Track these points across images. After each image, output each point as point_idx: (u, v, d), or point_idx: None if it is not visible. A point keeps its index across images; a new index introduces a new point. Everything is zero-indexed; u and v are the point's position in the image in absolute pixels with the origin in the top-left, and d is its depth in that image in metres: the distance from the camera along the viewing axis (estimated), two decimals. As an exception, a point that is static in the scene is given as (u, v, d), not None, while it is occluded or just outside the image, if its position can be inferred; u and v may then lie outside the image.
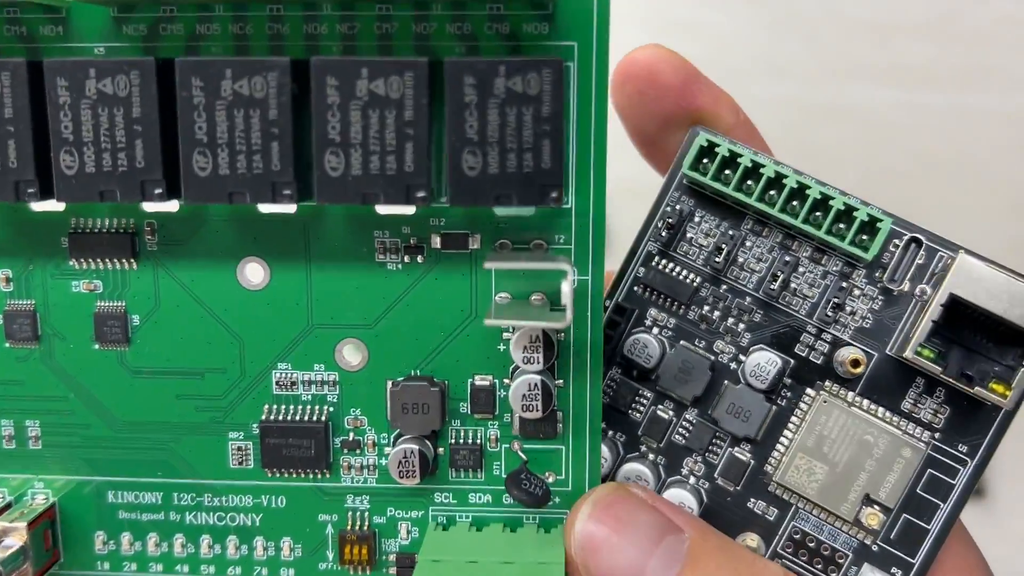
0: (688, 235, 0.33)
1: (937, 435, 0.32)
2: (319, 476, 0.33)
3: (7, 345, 0.33)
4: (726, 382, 0.33)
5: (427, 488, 0.33)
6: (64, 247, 0.33)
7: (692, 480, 0.33)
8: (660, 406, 0.33)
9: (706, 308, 0.33)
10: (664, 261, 0.33)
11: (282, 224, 0.32)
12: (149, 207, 0.32)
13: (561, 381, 0.32)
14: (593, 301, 0.31)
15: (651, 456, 0.34)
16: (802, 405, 0.32)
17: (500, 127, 0.27)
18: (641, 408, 0.34)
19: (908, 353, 0.29)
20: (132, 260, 0.32)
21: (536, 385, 0.31)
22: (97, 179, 0.28)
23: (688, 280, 0.33)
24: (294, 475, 0.34)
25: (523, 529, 0.33)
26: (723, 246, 0.32)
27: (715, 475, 0.33)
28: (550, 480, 0.33)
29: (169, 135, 0.28)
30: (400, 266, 0.32)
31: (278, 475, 0.34)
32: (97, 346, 0.33)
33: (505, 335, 0.32)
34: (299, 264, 0.32)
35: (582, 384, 0.32)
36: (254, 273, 0.32)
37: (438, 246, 0.32)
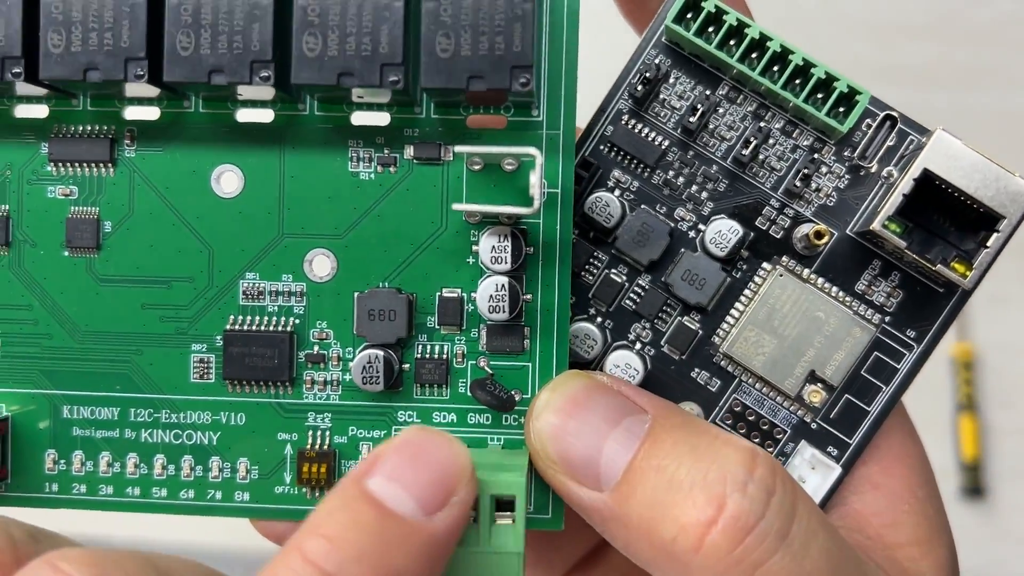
0: (661, 96, 0.33)
1: (888, 318, 0.32)
2: (281, 391, 0.33)
3: None
4: (683, 250, 0.33)
5: (391, 406, 0.33)
6: (43, 153, 0.33)
7: (638, 346, 0.33)
8: (614, 270, 0.33)
9: (671, 173, 0.33)
10: (633, 121, 0.33)
11: (258, 133, 0.32)
12: (130, 113, 0.33)
13: (529, 296, 0.32)
14: (563, 205, 0.31)
15: (598, 319, 0.33)
16: (756, 278, 0.32)
17: (474, 10, 0.29)
18: (594, 271, 0.33)
19: (876, 225, 0.29)
20: (110, 165, 0.33)
21: (503, 286, 0.31)
22: (82, 56, 0.29)
23: (656, 143, 0.33)
24: (255, 390, 0.33)
25: (487, 447, 0.32)
26: (698, 106, 0.32)
27: (661, 342, 0.33)
28: (516, 398, 0.32)
29: (155, 19, 0.29)
30: (372, 176, 0.32)
31: (239, 390, 0.33)
32: (67, 253, 0.33)
33: (474, 248, 0.32)
34: (272, 174, 0.33)
35: (550, 293, 0.32)
36: (228, 182, 0.33)
37: (411, 157, 0.32)
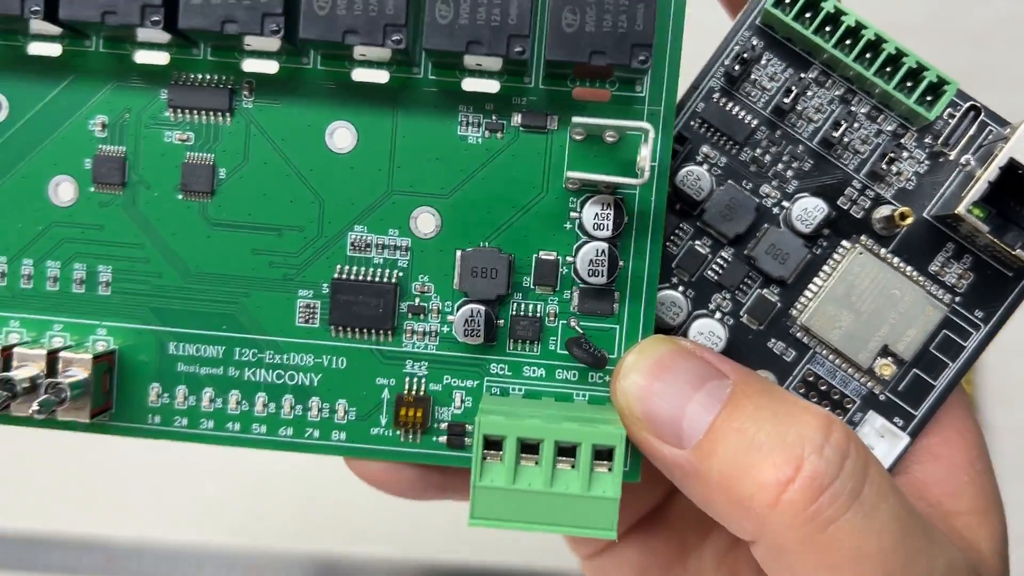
0: (752, 76, 0.35)
1: (958, 299, 0.34)
2: (382, 338, 0.35)
3: (92, 189, 0.35)
4: (767, 225, 0.35)
5: (484, 358, 0.35)
6: (163, 98, 0.34)
7: (718, 315, 0.35)
8: (698, 241, 0.35)
9: (759, 151, 0.35)
10: (725, 99, 0.35)
11: (373, 92, 0.34)
12: (248, 66, 0.34)
13: (623, 263, 0.34)
14: (659, 178, 0.33)
15: (680, 288, 0.35)
16: (835, 255, 0.35)
17: None
18: (679, 242, 0.35)
19: (960, 209, 0.31)
20: (227, 114, 0.34)
21: (603, 251, 0.33)
22: (220, 8, 0.31)
23: (746, 121, 0.35)
24: (357, 336, 0.35)
25: (574, 403, 0.34)
26: (792, 88, 0.34)
27: (741, 312, 0.35)
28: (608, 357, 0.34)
29: None
30: (480, 140, 0.34)
31: (342, 336, 0.35)
32: (181, 196, 0.34)
33: (572, 214, 0.34)
34: (385, 132, 0.34)
35: (641, 260, 0.34)
36: (342, 138, 0.34)
37: (518, 123, 0.34)
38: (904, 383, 0.34)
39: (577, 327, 0.34)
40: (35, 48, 0.34)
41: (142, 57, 0.34)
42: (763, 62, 0.35)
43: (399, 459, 0.35)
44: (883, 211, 0.34)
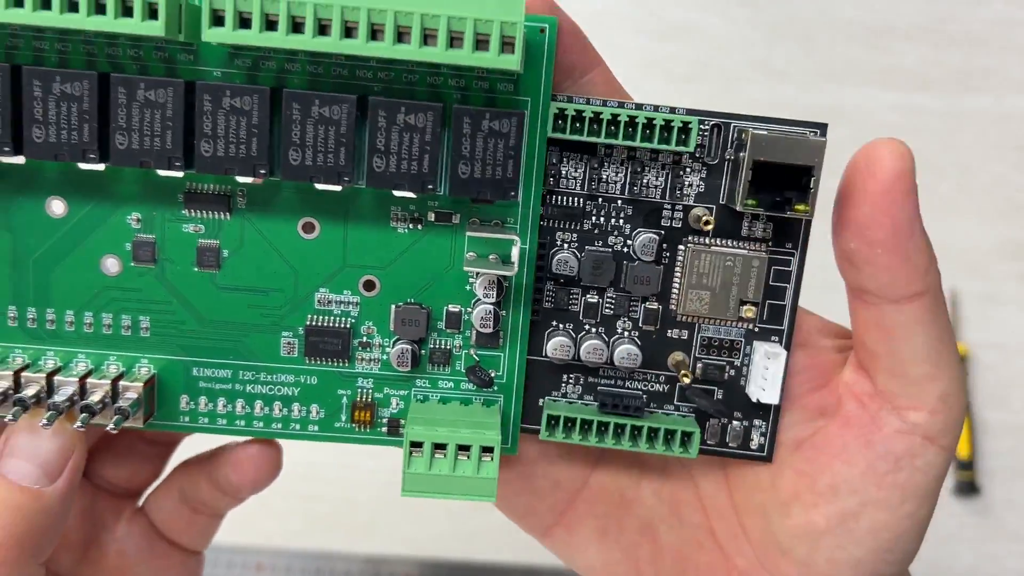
0: (562, 175, 0.48)
1: (770, 244, 0.48)
2: (341, 364, 0.51)
3: (132, 264, 0.49)
4: (626, 263, 0.48)
5: (412, 376, 0.51)
6: (180, 201, 0.49)
7: (626, 335, 0.49)
8: (588, 296, 0.49)
9: (594, 219, 0.48)
10: (552, 197, 0.48)
11: (332, 196, 0.49)
12: (241, 179, 0.48)
13: (504, 311, 0.50)
14: (528, 264, 0.49)
15: (593, 330, 0.50)
16: (679, 259, 0.48)
17: (483, 150, 0.45)
18: (576, 302, 0.49)
19: (739, 206, 0.44)
20: (227, 213, 0.49)
21: (491, 312, 0.49)
22: (223, 161, 0.45)
23: (576, 204, 0.48)
24: (324, 363, 0.51)
25: (472, 404, 0.51)
26: (592, 172, 0.47)
27: (640, 325, 0.49)
28: (493, 374, 0.51)
29: (273, 136, 0.45)
30: (407, 230, 0.49)
31: (314, 363, 0.50)
32: (196, 269, 0.49)
33: (470, 280, 0.50)
34: (340, 224, 0.49)
35: (517, 314, 0.50)
36: (309, 228, 0.49)
37: (432, 219, 0.49)
38: (765, 313, 0.48)
39: (475, 355, 0.51)
40: (85, 166, 0.47)
41: (164, 174, 0.48)
42: (564, 166, 0.48)
43: (354, 443, 0.52)
44: (694, 215, 0.48)
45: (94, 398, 0.48)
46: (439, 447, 0.47)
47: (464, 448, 0.47)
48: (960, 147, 0.96)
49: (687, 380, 0.49)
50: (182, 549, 0.55)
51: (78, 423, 0.46)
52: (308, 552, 0.95)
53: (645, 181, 0.48)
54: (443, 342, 0.51)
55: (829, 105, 0.96)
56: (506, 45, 0.42)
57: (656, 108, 0.46)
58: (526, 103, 0.47)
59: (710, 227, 0.48)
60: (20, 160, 0.45)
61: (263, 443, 0.55)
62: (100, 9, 0.42)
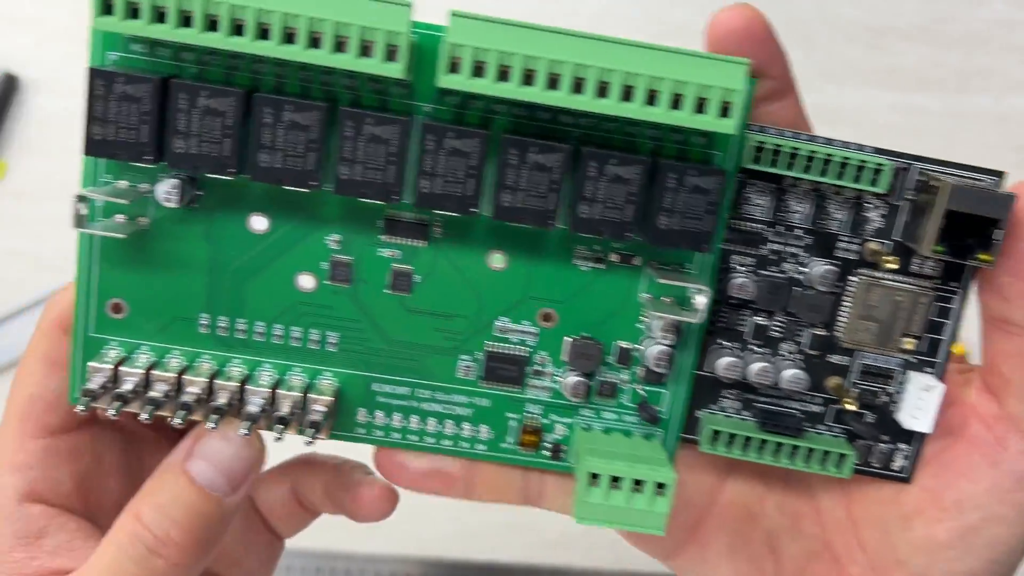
0: (745, 203, 0.51)
1: (938, 282, 0.51)
2: (514, 389, 0.53)
3: (327, 282, 0.51)
4: (797, 289, 0.51)
5: (579, 405, 0.54)
6: (379, 226, 0.51)
7: (791, 358, 0.52)
8: (758, 317, 0.52)
9: (773, 245, 0.51)
10: (736, 222, 0.51)
11: (523, 233, 0.51)
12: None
13: (674, 352, 0.53)
14: (708, 311, 0.52)
15: (758, 351, 0.52)
16: (849, 289, 0.51)
17: (685, 203, 0.47)
18: (744, 323, 0.52)
19: (925, 251, 0.47)
20: (424, 240, 0.51)
21: (667, 353, 0.52)
22: (440, 199, 0.47)
23: (756, 230, 0.51)
24: (497, 387, 0.53)
25: (633, 437, 0.54)
26: (777, 204, 0.50)
27: (804, 348, 0.52)
28: (660, 414, 0.54)
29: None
30: (588, 268, 0.52)
31: (488, 386, 0.53)
32: (388, 292, 0.52)
33: (643, 319, 0.52)
34: (525, 258, 0.51)
35: (687, 356, 0.53)
36: (497, 261, 0.52)
37: (615, 260, 0.52)
38: (925, 346, 0.51)
39: (641, 391, 0.54)
40: (289, 187, 0.49)
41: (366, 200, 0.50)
42: (748, 193, 0.51)
43: (517, 464, 0.54)
44: (871, 246, 0.50)
45: (284, 410, 0.50)
46: (615, 479, 0.50)
47: (638, 482, 0.50)
48: (960, 147, 0.96)
49: (852, 407, 0.52)
50: (272, 532, 0.58)
51: (274, 434, 0.49)
52: (308, 552, 0.95)
53: (827, 212, 0.51)
54: (611, 375, 0.53)
55: (829, 105, 0.96)
56: (725, 109, 0.44)
57: (846, 145, 0.49)
58: (722, 159, 0.49)
59: (895, 267, 0.50)
60: (228, 177, 0.47)
61: (386, 490, 0.58)
62: (339, 47, 0.44)
